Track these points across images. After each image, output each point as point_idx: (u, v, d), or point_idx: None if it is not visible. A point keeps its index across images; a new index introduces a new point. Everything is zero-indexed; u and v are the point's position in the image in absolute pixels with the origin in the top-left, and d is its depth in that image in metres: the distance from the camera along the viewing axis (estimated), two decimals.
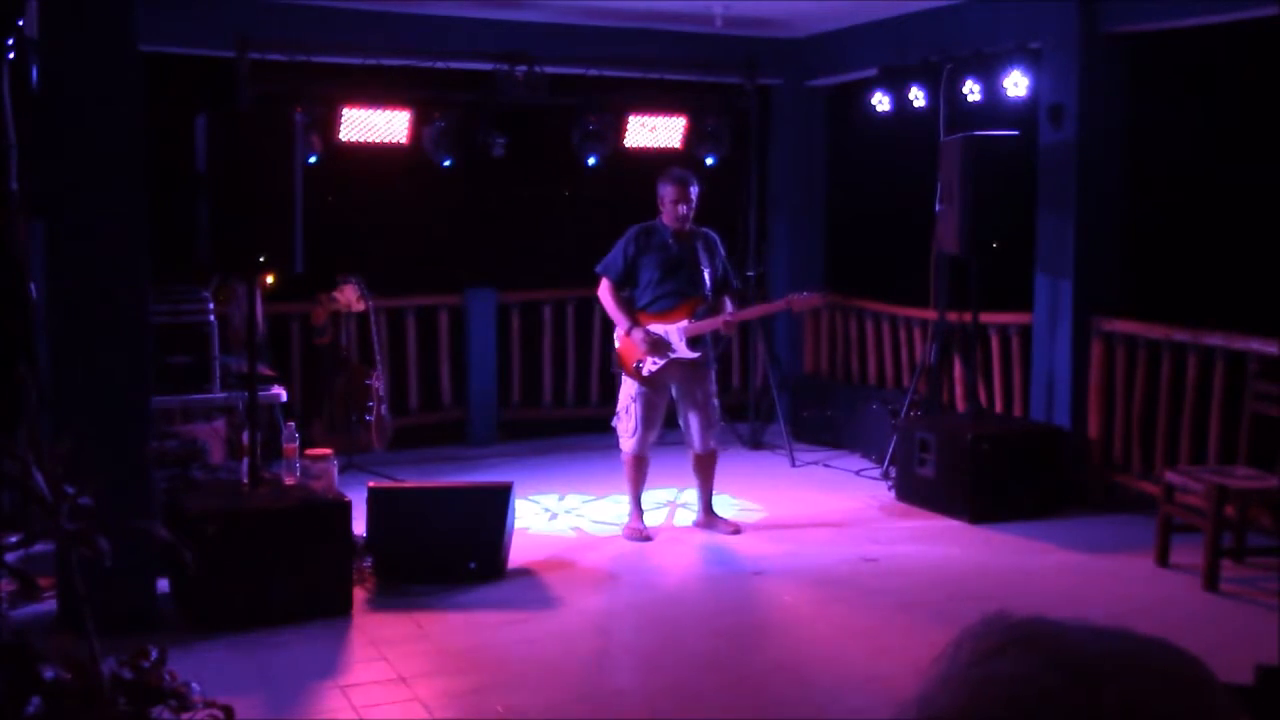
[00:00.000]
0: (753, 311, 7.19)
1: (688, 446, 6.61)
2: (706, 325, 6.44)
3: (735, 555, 6.32)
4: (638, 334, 6.39)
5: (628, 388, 6.50)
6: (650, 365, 6.38)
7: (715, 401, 6.62)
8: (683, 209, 6.38)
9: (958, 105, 7.65)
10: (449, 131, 8.08)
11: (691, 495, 6.88)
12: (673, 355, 6.39)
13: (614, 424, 6.60)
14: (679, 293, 6.43)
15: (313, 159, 7.59)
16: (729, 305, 6.50)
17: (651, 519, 6.78)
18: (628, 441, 6.50)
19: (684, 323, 6.41)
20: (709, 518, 6.69)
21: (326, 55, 7.96)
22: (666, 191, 6.43)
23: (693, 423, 6.52)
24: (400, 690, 4.54)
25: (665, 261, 6.43)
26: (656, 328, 6.40)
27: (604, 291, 6.51)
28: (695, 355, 6.40)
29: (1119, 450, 7.16)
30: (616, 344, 6.53)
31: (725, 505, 7.20)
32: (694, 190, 6.42)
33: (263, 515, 5.26)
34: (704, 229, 6.56)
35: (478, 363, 8.94)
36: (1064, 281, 7.26)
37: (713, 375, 6.60)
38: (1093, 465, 7.24)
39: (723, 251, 6.64)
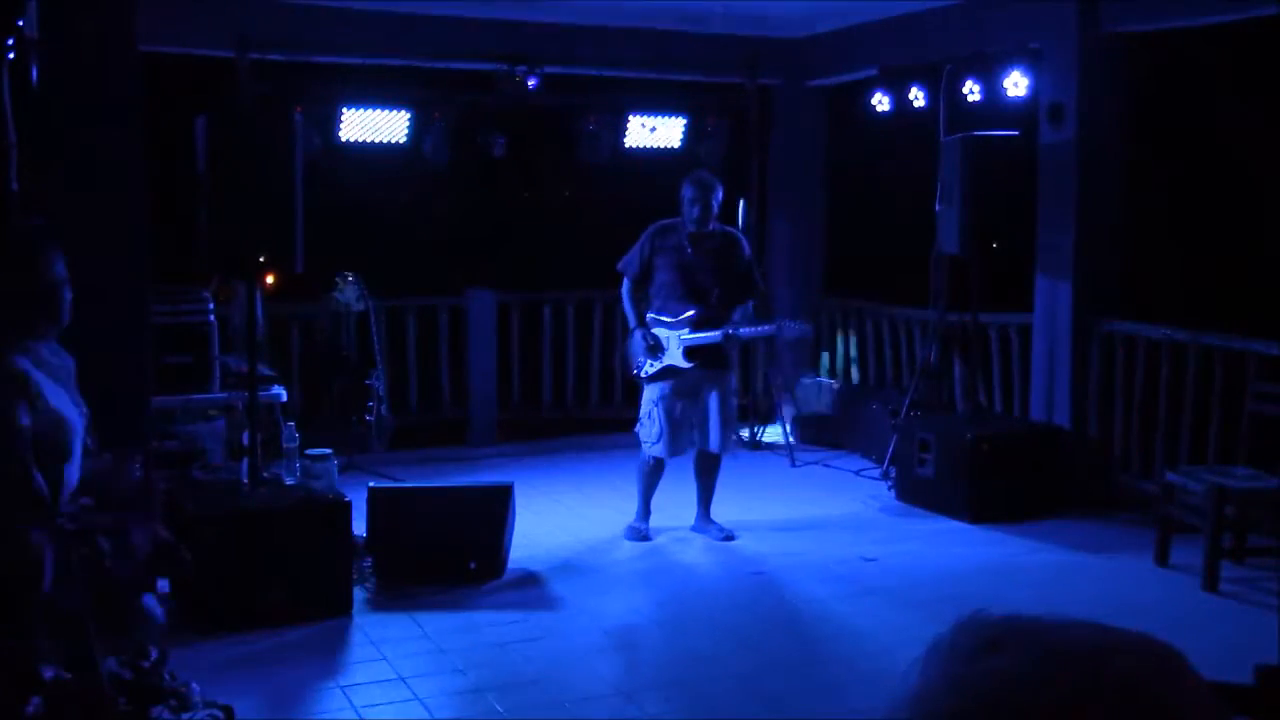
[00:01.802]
0: (746, 333, 6.64)
1: (696, 445, 6.46)
2: (703, 339, 6.24)
3: (735, 555, 6.32)
4: (636, 335, 6.35)
5: (650, 393, 6.38)
6: (647, 368, 6.35)
7: (733, 402, 6.55)
8: (695, 211, 6.22)
9: (958, 105, 7.64)
10: (449, 131, 8.08)
11: (690, 495, 6.83)
12: (668, 363, 6.27)
13: (636, 430, 6.46)
14: (685, 300, 6.29)
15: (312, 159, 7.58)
16: (735, 315, 6.33)
17: (652, 520, 6.76)
18: (654, 447, 6.37)
19: (686, 330, 6.28)
20: (704, 522, 6.64)
21: (326, 55, 7.97)
22: (685, 192, 6.30)
23: (706, 422, 6.36)
24: (400, 690, 4.54)
25: (677, 265, 6.31)
26: (661, 331, 6.33)
27: (623, 289, 6.47)
28: (688, 365, 6.24)
29: (1119, 450, 7.16)
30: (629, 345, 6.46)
31: (726, 505, 7.19)
32: (714, 196, 6.25)
33: (263, 515, 5.26)
34: (728, 229, 6.45)
35: (478, 363, 8.94)
36: (1064, 282, 7.26)
37: (731, 379, 6.52)
38: (1093, 465, 7.23)
39: (747, 253, 6.48)
